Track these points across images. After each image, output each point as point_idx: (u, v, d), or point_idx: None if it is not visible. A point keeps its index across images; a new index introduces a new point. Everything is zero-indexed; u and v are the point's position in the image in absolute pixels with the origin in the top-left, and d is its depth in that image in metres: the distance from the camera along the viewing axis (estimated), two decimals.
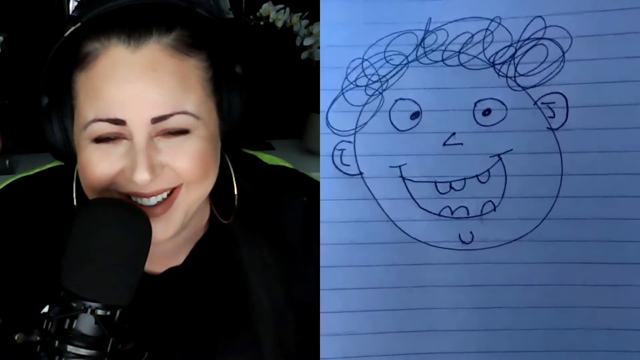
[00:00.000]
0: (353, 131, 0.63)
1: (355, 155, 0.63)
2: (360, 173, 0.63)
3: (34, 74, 0.58)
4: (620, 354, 0.62)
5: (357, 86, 0.63)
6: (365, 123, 0.63)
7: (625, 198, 0.61)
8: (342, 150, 0.63)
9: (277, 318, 0.65)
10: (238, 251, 0.65)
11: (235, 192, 0.63)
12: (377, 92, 0.63)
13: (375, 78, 0.63)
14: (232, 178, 0.63)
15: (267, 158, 0.73)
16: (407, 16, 0.63)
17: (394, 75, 0.63)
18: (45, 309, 0.52)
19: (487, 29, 0.62)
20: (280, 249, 0.66)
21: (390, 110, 0.63)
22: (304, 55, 1.65)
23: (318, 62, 0.63)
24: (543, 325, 0.62)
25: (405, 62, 0.63)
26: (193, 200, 0.59)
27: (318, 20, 0.64)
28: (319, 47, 0.96)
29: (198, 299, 0.65)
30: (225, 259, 0.65)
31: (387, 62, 0.63)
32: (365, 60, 0.63)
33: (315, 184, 0.65)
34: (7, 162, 1.53)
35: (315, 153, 0.95)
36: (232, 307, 0.65)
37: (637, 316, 0.61)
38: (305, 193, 0.68)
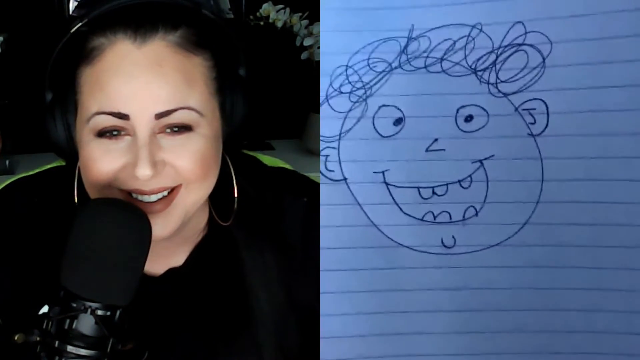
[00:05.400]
0: (337, 137, 0.64)
1: (340, 161, 0.64)
2: (345, 178, 0.63)
3: (36, 72, 0.58)
4: (601, 356, 0.62)
5: (341, 93, 0.64)
6: (350, 129, 0.64)
7: (604, 203, 0.62)
8: (327, 156, 0.64)
9: (278, 320, 0.65)
10: (238, 253, 0.65)
11: (236, 195, 0.63)
12: (360, 99, 0.64)
13: (359, 85, 0.63)
14: (232, 180, 0.63)
15: (268, 160, 0.72)
16: (390, 23, 0.63)
17: (377, 82, 0.63)
18: (45, 309, 0.52)
19: (468, 36, 0.63)
20: (281, 251, 0.66)
21: (373, 117, 0.64)
22: (304, 55, 1.65)
23: (318, 62, 0.64)
24: (524, 328, 0.62)
25: (388, 69, 0.63)
26: (193, 201, 0.59)
27: (318, 20, 0.64)
28: (318, 47, 0.96)
29: (198, 300, 0.65)
30: (225, 261, 0.65)
31: (371, 69, 0.63)
32: (349, 67, 0.64)
33: (315, 186, 0.65)
34: (7, 162, 1.52)
35: (315, 153, 0.95)
36: (232, 309, 0.64)
37: (618, 320, 0.62)
38: (305, 194, 0.68)
